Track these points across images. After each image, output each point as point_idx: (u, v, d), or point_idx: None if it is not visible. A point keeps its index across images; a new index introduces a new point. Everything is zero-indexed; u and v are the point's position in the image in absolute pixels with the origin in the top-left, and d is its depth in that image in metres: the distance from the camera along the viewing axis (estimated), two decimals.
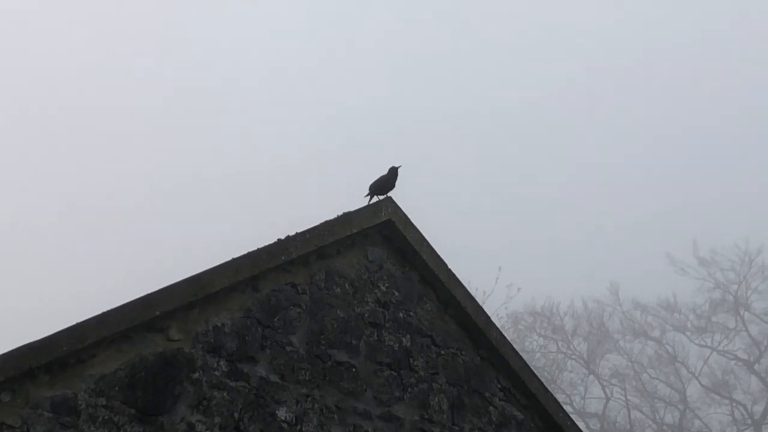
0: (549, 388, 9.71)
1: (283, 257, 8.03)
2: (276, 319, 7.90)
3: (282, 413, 7.62)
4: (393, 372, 8.52)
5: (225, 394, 7.34)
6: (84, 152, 72.05)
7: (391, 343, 8.63)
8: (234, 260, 7.71)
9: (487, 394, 9.17)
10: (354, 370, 8.24)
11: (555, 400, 9.60)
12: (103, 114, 74.43)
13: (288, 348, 7.87)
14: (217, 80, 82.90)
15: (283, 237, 8.13)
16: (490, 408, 9.13)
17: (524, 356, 9.91)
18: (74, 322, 6.74)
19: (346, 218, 8.64)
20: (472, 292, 9.61)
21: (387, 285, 8.85)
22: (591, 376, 44.56)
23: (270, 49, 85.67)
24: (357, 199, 9.19)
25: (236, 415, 7.35)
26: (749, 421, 41.60)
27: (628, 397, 43.68)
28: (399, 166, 9.32)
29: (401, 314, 8.83)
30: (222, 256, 7.71)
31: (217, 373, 7.37)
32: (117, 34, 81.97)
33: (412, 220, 9.11)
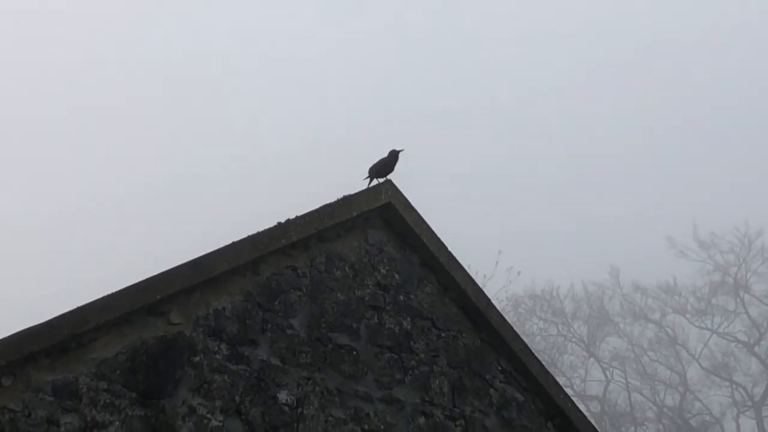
0: (549, 371, 9.71)
1: (283, 241, 8.03)
2: (276, 303, 7.90)
3: (283, 396, 7.63)
4: (394, 355, 8.52)
5: (226, 377, 7.34)
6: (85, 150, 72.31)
7: (392, 326, 8.64)
8: (234, 244, 7.71)
9: (487, 377, 9.18)
10: (355, 353, 8.25)
11: (555, 382, 9.61)
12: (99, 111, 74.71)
13: (289, 331, 7.88)
14: (215, 71, 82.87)
15: (283, 220, 8.12)
16: (491, 390, 9.14)
17: (524, 339, 9.91)
18: (75, 306, 6.75)
19: (346, 201, 8.62)
20: (473, 275, 9.60)
21: (387, 268, 8.85)
22: (591, 359, 44.73)
23: (269, 41, 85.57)
24: (357, 182, 9.18)
25: (237, 398, 7.35)
26: (749, 403, 41.77)
27: (629, 380, 43.89)
28: (400, 150, 9.29)
29: (402, 297, 8.83)
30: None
31: (218, 356, 7.37)
32: (112, 28, 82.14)
33: (412, 204, 9.09)
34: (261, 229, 7.94)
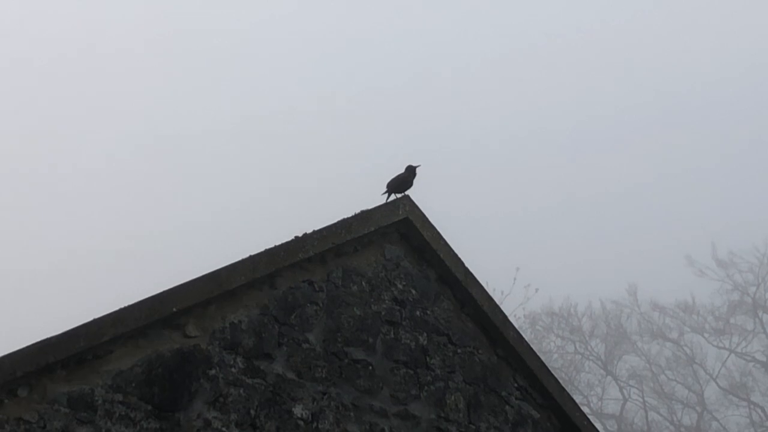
0: (566, 389, 9.67)
1: (300, 255, 8.03)
2: (293, 317, 7.90)
3: (298, 411, 7.62)
4: (409, 370, 8.50)
5: (241, 391, 7.34)
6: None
7: (408, 341, 8.62)
8: (251, 257, 7.72)
9: (503, 393, 9.14)
10: (370, 368, 8.24)
11: (572, 400, 9.56)
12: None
13: (305, 345, 7.87)
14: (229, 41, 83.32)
15: (300, 234, 8.13)
16: (507, 407, 9.11)
17: (541, 357, 9.87)
18: (91, 318, 6.77)
19: (364, 216, 8.63)
20: (490, 292, 9.56)
21: (404, 283, 8.84)
22: (608, 377, 44.54)
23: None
24: (374, 197, 9.19)
25: (252, 412, 7.35)
26: (767, 424, 41.44)
27: (646, 399, 43.67)
28: (417, 166, 9.30)
29: (418, 312, 8.82)
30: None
31: (233, 370, 7.37)
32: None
33: (430, 219, 9.09)
34: (278, 242, 7.96)
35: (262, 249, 7.85)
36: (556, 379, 9.53)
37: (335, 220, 8.44)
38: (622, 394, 44.12)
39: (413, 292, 8.87)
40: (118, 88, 79.44)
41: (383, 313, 8.55)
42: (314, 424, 7.67)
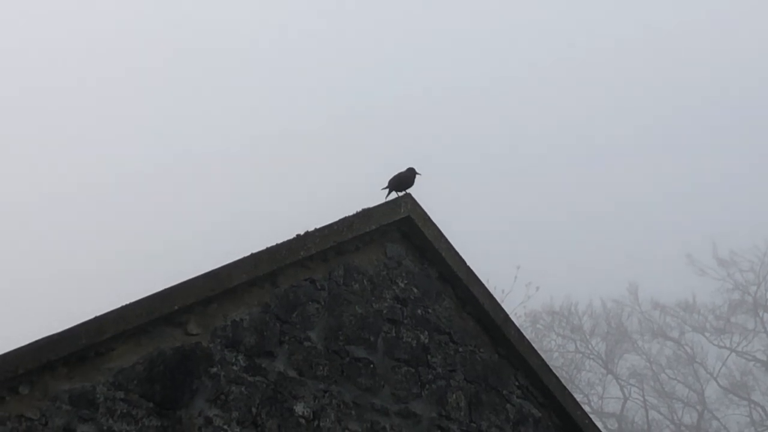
0: (567, 388, 9.67)
1: (301, 253, 8.03)
2: (294, 315, 7.90)
3: (299, 408, 7.62)
4: (411, 368, 8.50)
5: (243, 388, 7.35)
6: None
7: (409, 339, 8.62)
8: (253, 255, 7.72)
9: (504, 392, 9.15)
10: (372, 366, 8.24)
11: (573, 399, 9.56)
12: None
13: (306, 343, 7.87)
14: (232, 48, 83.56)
15: (301, 232, 8.13)
16: (508, 405, 9.11)
17: (542, 355, 9.87)
18: (93, 316, 6.77)
19: (365, 214, 8.62)
20: (491, 290, 9.56)
21: (405, 281, 8.84)
22: (609, 376, 44.49)
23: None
24: (375, 195, 9.18)
25: (254, 409, 7.35)
26: (767, 423, 41.42)
27: (646, 398, 43.60)
28: (419, 174, 9.27)
29: (419, 311, 8.82)
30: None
31: (235, 367, 7.37)
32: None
33: (431, 218, 9.08)
34: (279, 241, 7.96)
35: (263, 247, 7.86)
36: (557, 378, 9.53)
37: (337, 219, 8.44)
38: (623, 392, 44.09)
39: (415, 290, 8.87)
40: (119, 91, 79.72)
41: (384, 311, 8.55)
42: (315, 423, 7.67)
